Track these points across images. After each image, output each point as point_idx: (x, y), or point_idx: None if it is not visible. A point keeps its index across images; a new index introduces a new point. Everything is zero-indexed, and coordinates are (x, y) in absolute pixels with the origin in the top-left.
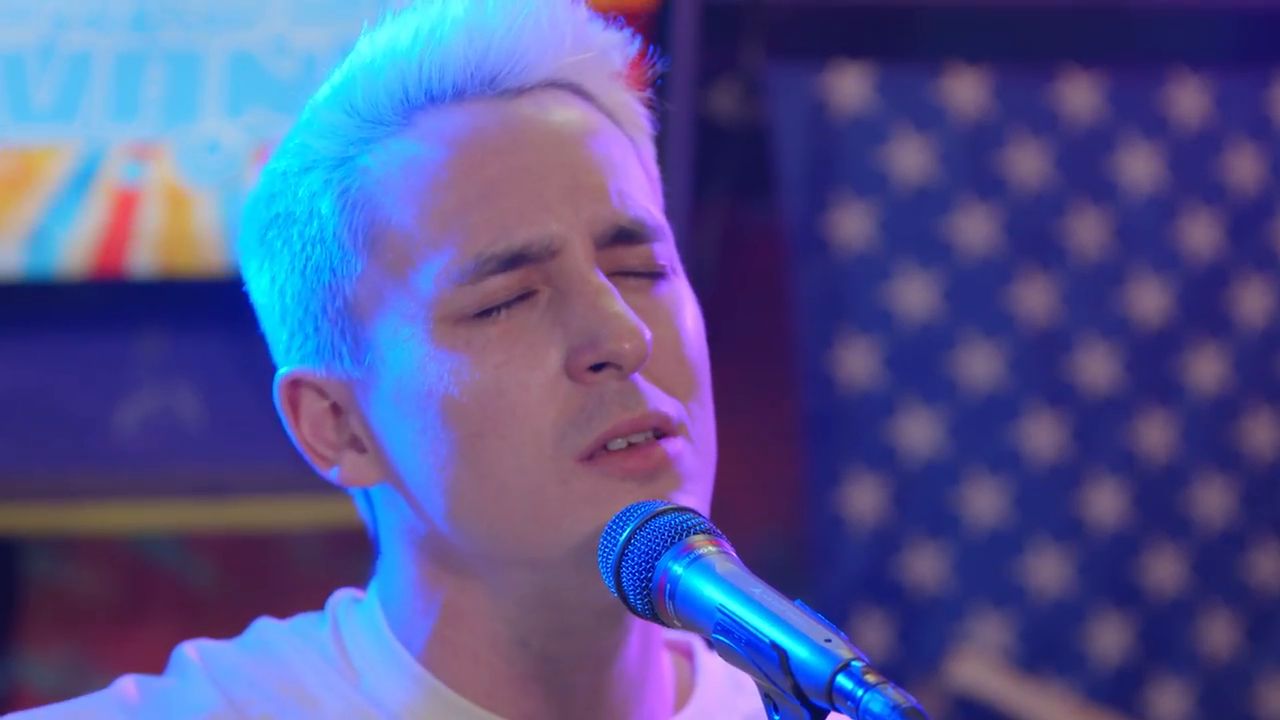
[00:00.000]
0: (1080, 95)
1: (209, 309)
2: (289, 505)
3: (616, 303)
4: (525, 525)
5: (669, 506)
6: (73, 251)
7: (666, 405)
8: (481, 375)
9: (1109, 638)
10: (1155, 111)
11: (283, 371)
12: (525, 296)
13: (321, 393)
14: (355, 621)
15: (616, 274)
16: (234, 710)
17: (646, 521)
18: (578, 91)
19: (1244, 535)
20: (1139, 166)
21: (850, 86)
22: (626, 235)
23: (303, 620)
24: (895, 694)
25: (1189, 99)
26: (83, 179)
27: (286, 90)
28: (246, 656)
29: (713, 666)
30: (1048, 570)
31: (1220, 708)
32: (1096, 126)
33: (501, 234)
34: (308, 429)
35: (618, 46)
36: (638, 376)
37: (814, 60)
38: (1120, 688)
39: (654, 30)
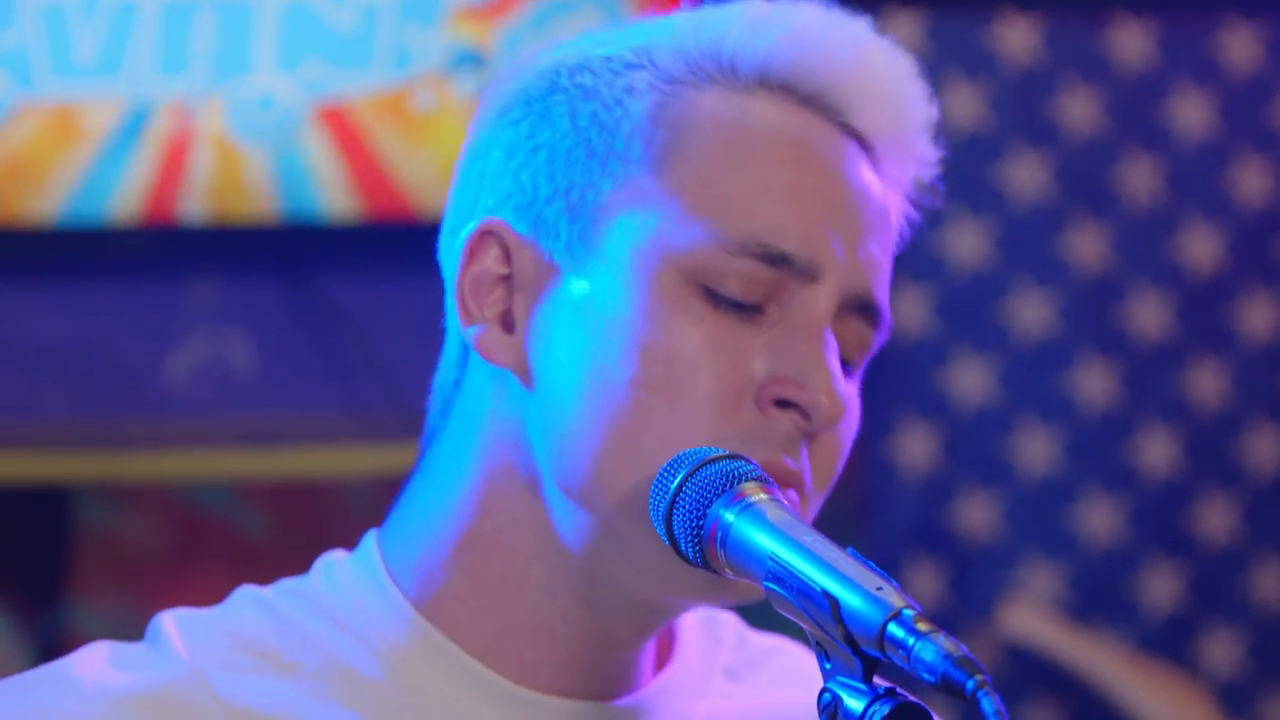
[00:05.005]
0: (1132, 41)
1: (261, 256)
2: (341, 453)
3: (836, 363)
4: (634, 479)
5: (721, 454)
6: (123, 200)
7: (809, 477)
8: (686, 347)
9: (1160, 587)
10: (1207, 58)
11: (487, 216)
12: (754, 311)
13: (506, 256)
14: (346, 571)
15: None
16: (197, 678)
17: (698, 469)
18: (899, 172)
19: None
20: (1190, 113)
21: (903, 33)
22: (865, 312)
23: (287, 583)
24: (947, 642)
25: (1241, 45)
26: (132, 129)
27: (343, 42)
28: (222, 624)
29: (689, 621)
30: (1099, 519)
31: (1272, 657)
32: (1148, 73)
33: (782, 232)
34: (470, 281)
35: (933, 157)
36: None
37: (865, 6)
38: (1171, 636)
39: None
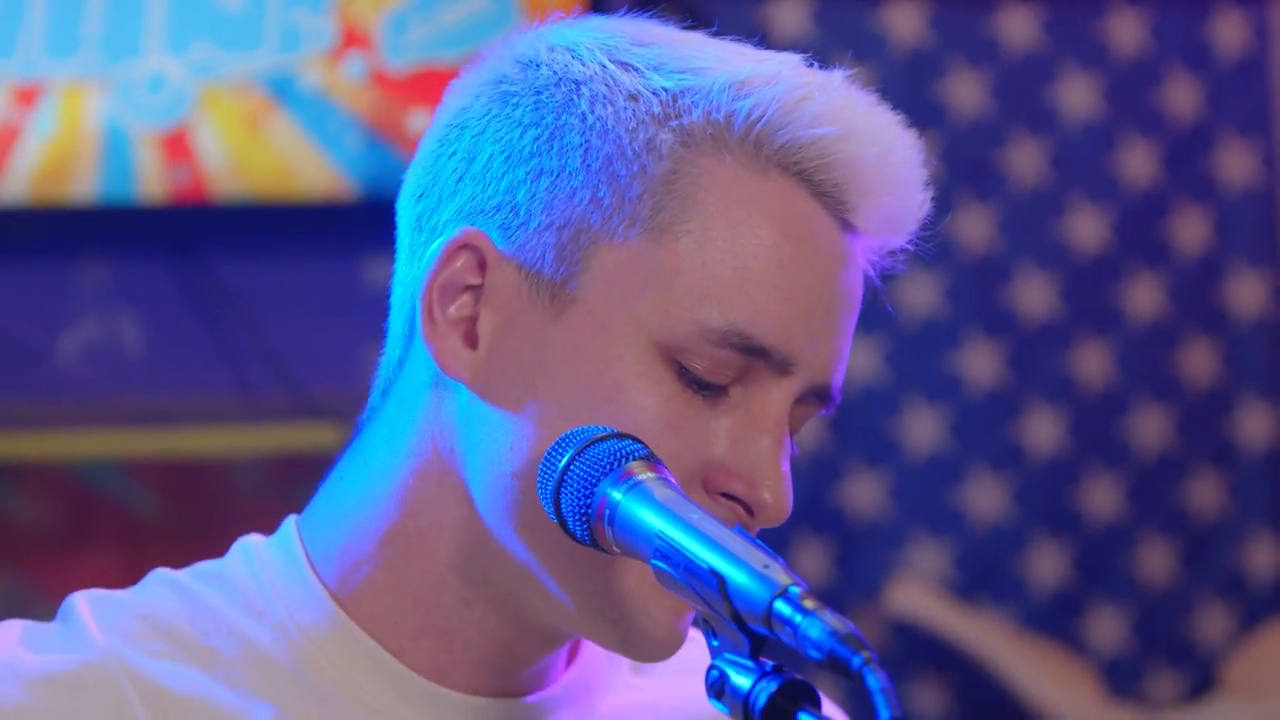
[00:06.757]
0: (1018, 25)
1: (150, 237)
2: (231, 433)
3: (785, 463)
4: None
5: (608, 433)
6: (13, 180)
7: None
8: (650, 422)
9: (1046, 565)
10: (1093, 41)
11: (468, 226)
12: (719, 390)
13: (480, 267)
14: (266, 555)
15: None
16: (113, 659)
17: (585, 448)
18: (876, 253)
19: (1180, 462)
20: (1076, 96)
21: (789, 17)
22: (820, 400)
23: (202, 566)
24: (833, 619)
25: (1127, 29)
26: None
27: (232, 25)
28: (136, 606)
29: None
30: (985, 498)
31: (1156, 634)
32: (1034, 56)
33: (764, 325)
34: (440, 288)
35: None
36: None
37: None
38: (1057, 614)
39: None
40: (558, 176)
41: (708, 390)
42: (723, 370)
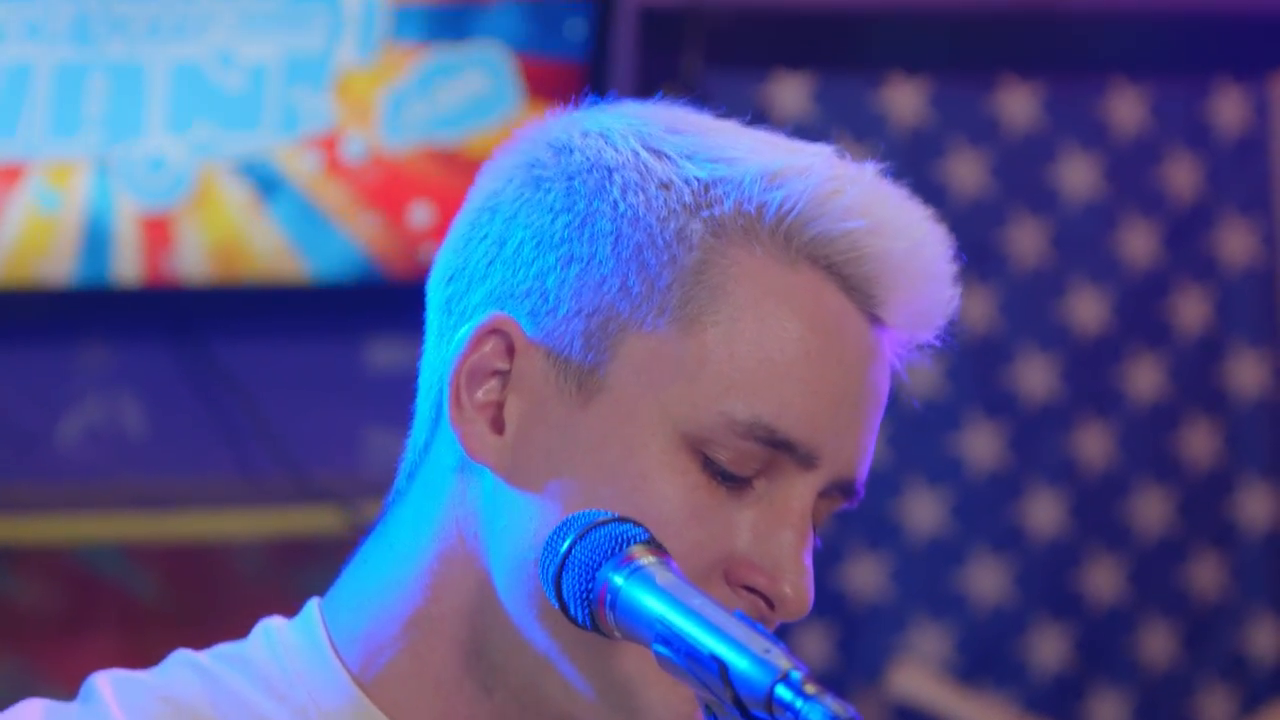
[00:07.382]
0: (1018, 104)
1: (152, 320)
2: (232, 516)
3: (808, 557)
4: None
5: (610, 517)
6: (12, 261)
7: None
8: (674, 513)
9: (1048, 647)
10: (1093, 121)
11: (499, 311)
12: (743, 482)
13: (509, 352)
14: (288, 638)
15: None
16: None
17: (587, 531)
18: (904, 347)
19: (1182, 545)
20: (1077, 176)
21: (790, 96)
22: (844, 494)
23: (224, 648)
24: (834, 704)
25: (1127, 108)
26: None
27: (232, 104)
28: (158, 688)
29: None
30: (987, 580)
31: (1158, 717)
32: (1035, 135)
33: (790, 419)
34: (468, 372)
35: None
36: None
37: (754, 70)
38: (1059, 697)
39: (594, 36)
40: (588, 263)
41: (732, 482)
42: (747, 462)
